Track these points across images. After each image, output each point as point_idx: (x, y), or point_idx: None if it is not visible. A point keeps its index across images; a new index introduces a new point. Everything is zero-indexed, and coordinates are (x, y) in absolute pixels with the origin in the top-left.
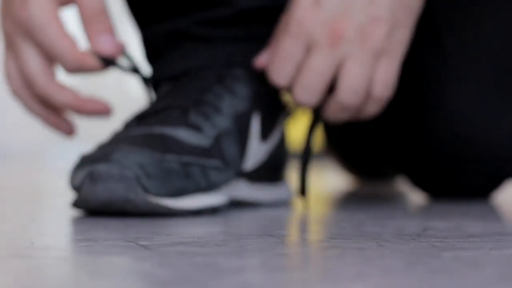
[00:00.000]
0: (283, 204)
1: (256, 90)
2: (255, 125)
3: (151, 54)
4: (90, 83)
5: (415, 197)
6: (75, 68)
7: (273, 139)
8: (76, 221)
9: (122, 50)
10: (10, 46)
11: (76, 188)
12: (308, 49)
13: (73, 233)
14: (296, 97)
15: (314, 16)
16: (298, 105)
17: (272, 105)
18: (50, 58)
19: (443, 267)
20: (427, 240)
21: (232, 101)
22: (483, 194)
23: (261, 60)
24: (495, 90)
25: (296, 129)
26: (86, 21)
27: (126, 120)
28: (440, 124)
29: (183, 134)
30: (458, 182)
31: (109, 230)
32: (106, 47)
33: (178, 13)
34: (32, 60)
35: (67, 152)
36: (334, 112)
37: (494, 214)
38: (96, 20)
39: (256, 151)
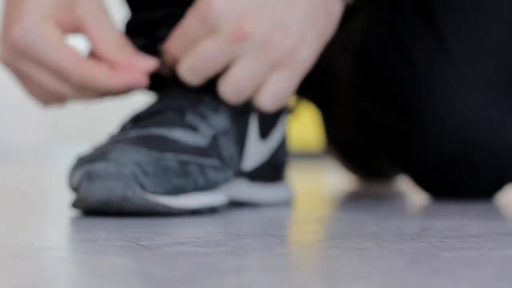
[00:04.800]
0: (283, 204)
1: None
2: (254, 124)
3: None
4: None
5: (415, 197)
6: (80, 82)
7: (273, 139)
8: (76, 221)
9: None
10: (18, 75)
11: (74, 188)
12: (209, 33)
13: (73, 233)
14: (181, 73)
15: (226, 5)
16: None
17: None
18: (54, 72)
19: (443, 267)
20: (427, 240)
21: None
22: (486, 196)
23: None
24: (500, 93)
25: (298, 129)
26: (108, 54)
27: (121, 122)
28: (444, 126)
29: (179, 134)
30: (461, 184)
31: (108, 230)
32: (147, 65)
33: (155, 6)
34: (44, 77)
35: (67, 152)
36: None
37: (494, 214)
38: (118, 49)
39: (256, 151)
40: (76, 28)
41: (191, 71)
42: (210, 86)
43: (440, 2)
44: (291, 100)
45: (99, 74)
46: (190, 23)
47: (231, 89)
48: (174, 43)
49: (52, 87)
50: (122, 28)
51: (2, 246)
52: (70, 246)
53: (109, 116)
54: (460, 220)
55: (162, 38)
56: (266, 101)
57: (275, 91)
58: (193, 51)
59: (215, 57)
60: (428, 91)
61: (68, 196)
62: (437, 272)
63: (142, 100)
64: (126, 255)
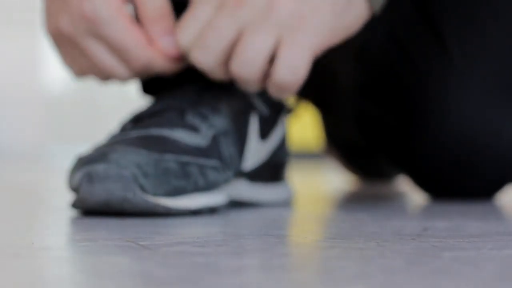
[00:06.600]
0: (283, 204)
1: None
2: (254, 124)
3: None
4: (89, 84)
5: (415, 197)
6: (143, 66)
7: (273, 139)
8: (76, 221)
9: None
10: (68, 46)
11: (75, 188)
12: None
13: (73, 233)
14: (194, 58)
15: None
16: (199, 67)
17: (272, 104)
18: (117, 53)
19: (443, 267)
20: (427, 240)
21: (230, 100)
22: (486, 196)
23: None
24: (500, 93)
25: (298, 129)
26: (147, 22)
27: (122, 122)
28: (444, 127)
29: (180, 135)
30: (461, 184)
31: (109, 230)
32: (169, 48)
33: None
34: (103, 55)
35: (67, 152)
36: (238, 82)
37: (494, 214)
38: (157, 21)
39: (256, 151)
40: None
41: (201, 50)
42: (210, 86)
43: (439, 2)
44: (291, 100)
45: (161, 60)
46: (195, 6)
47: (242, 66)
48: (181, 32)
49: (109, 65)
50: None
51: (2, 246)
52: (70, 246)
53: (109, 116)
54: (460, 220)
55: None
56: (283, 74)
57: (289, 61)
58: (203, 34)
59: (225, 31)
60: (427, 92)
61: (68, 196)
62: (437, 272)
63: (142, 100)
64: (126, 255)
